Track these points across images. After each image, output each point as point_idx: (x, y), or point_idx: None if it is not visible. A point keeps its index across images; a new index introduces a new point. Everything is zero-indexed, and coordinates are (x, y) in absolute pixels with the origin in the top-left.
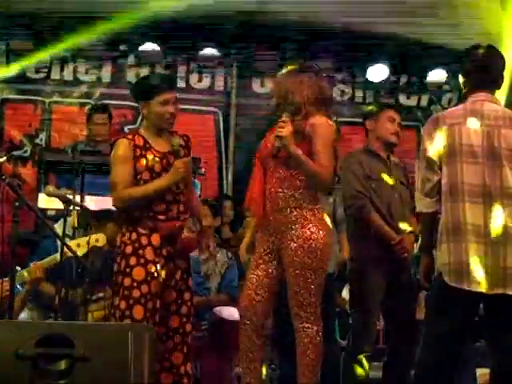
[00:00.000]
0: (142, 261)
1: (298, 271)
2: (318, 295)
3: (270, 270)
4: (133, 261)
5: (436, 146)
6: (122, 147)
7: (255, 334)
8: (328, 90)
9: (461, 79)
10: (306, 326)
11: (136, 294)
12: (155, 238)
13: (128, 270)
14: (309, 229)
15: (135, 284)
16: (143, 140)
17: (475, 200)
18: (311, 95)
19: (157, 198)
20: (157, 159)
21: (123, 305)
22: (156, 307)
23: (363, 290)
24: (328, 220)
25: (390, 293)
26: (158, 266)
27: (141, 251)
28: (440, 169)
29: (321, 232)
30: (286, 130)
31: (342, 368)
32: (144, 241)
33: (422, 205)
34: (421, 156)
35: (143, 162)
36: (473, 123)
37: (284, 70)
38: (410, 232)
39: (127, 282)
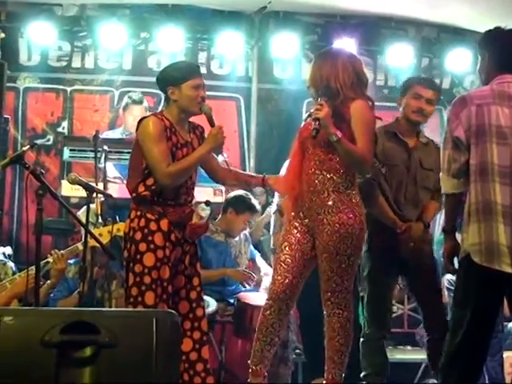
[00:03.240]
0: (152, 246)
1: (332, 256)
2: (350, 281)
3: (305, 252)
4: (142, 247)
5: (464, 126)
6: (155, 125)
7: (286, 318)
8: (363, 73)
9: (483, 61)
10: (337, 311)
11: (147, 280)
12: (164, 224)
13: (138, 256)
14: (346, 214)
15: (146, 270)
16: (169, 123)
17: (505, 181)
18: (347, 79)
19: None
20: (179, 145)
21: (135, 291)
22: (168, 292)
23: (371, 276)
24: (363, 205)
25: (411, 277)
26: (167, 252)
27: (150, 237)
28: (467, 149)
29: (357, 217)
30: (323, 111)
31: (361, 353)
32: (153, 226)
33: (448, 186)
34: (447, 137)
35: (169, 144)
36: (501, 104)
37: (317, 56)
38: (419, 220)
39: (138, 268)
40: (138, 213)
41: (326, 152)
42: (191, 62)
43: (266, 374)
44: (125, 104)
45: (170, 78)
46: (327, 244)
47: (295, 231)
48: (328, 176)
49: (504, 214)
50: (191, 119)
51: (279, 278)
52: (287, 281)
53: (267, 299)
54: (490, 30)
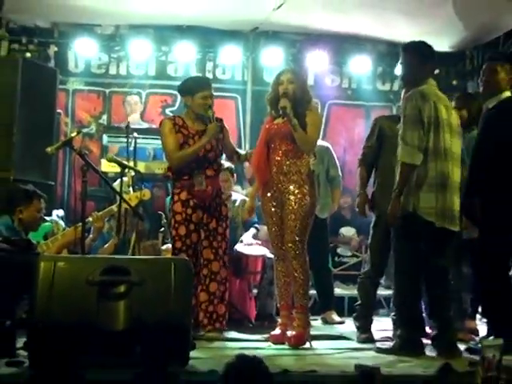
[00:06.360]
0: (173, 213)
1: (296, 216)
2: (306, 234)
3: (279, 217)
4: (172, 213)
5: (427, 116)
6: (167, 124)
7: (289, 265)
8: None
9: (416, 68)
10: (297, 255)
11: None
12: (183, 195)
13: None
14: (305, 188)
15: (171, 229)
16: (182, 121)
17: (455, 163)
18: (308, 93)
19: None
20: (190, 135)
21: None
22: (187, 244)
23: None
24: (313, 181)
25: None
26: (184, 215)
27: (174, 205)
28: (428, 134)
29: (311, 191)
30: (287, 105)
31: (362, 289)
32: (175, 197)
33: (416, 158)
34: (417, 119)
35: (179, 136)
36: (442, 102)
37: (293, 72)
38: None
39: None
40: (173, 190)
41: (290, 144)
42: (204, 78)
43: (290, 306)
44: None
45: (186, 90)
46: (293, 208)
47: (270, 205)
48: (293, 161)
49: (456, 189)
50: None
51: (272, 241)
52: (276, 241)
53: (274, 257)
54: (419, 43)
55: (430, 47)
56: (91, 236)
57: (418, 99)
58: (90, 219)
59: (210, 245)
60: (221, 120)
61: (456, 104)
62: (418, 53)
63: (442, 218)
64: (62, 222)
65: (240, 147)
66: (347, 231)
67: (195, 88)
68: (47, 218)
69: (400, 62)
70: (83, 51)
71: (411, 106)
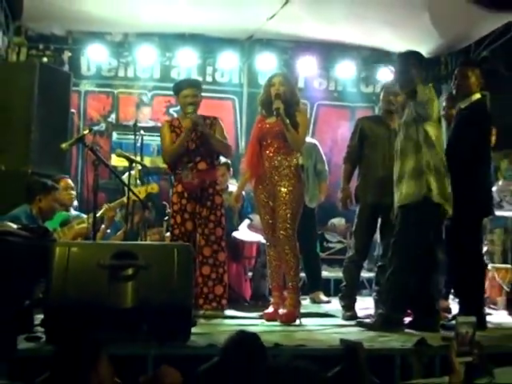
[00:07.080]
0: (172, 203)
1: (287, 207)
2: (296, 222)
3: (270, 207)
4: (171, 203)
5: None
6: (164, 125)
7: (280, 251)
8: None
9: (412, 73)
10: (288, 241)
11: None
12: (179, 187)
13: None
14: (295, 180)
15: (171, 217)
16: (178, 121)
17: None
18: (297, 95)
19: (182, 153)
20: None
21: None
22: (182, 231)
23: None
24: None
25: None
26: (180, 205)
27: (172, 197)
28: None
29: (300, 183)
30: (281, 107)
31: (347, 271)
32: (173, 189)
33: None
34: (436, 114)
35: (173, 135)
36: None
37: (284, 75)
38: None
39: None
40: (172, 182)
41: (282, 141)
42: (186, 80)
43: (281, 287)
44: (139, 103)
45: (174, 91)
46: (284, 199)
47: (262, 196)
48: (284, 157)
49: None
50: (206, 111)
51: (264, 229)
52: (268, 229)
53: (266, 243)
54: (417, 52)
55: (423, 56)
56: (104, 226)
57: (437, 101)
58: (104, 209)
59: (202, 232)
60: (215, 118)
61: (447, 103)
62: (415, 60)
63: (449, 202)
64: (84, 216)
65: (237, 143)
66: (338, 221)
67: (179, 88)
68: (72, 213)
69: (397, 66)
70: (95, 56)
71: (437, 103)
